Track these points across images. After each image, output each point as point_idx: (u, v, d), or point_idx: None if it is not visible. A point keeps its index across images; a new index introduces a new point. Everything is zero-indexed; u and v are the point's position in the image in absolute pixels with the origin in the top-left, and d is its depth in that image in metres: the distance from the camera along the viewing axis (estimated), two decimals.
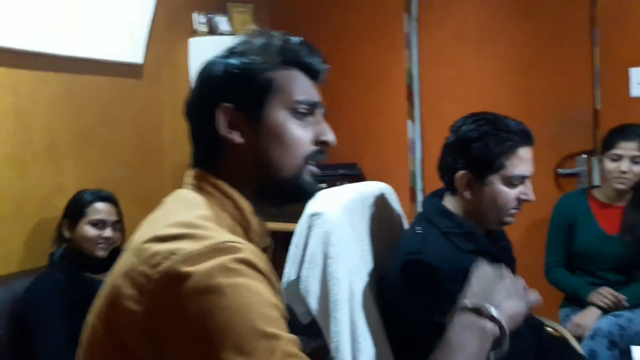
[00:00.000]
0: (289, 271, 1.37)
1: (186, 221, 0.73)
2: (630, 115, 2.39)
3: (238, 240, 0.71)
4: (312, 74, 0.86)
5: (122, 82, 2.29)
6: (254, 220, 0.81)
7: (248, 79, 0.81)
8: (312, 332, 1.36)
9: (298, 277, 1.35)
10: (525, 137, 1.33)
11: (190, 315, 0.64)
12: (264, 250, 0.83)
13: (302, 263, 1.35)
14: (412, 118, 2.90)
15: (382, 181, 1.76)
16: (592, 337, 1.83)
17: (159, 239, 0.70)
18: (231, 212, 0.79)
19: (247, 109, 0.81)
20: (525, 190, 1.35)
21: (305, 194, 0.85)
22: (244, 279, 0.66)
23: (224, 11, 2.73)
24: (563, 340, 1.61)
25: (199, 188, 0.81)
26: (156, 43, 2.40)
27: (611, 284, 2.02)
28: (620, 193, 2.06)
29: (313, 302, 1.33)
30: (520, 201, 1.37)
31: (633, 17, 2.42)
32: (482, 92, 2.71)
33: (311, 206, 1.37)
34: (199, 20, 2.57)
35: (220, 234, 0.72)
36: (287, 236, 1.43)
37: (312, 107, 0.85)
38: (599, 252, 2.04)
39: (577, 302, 2.06)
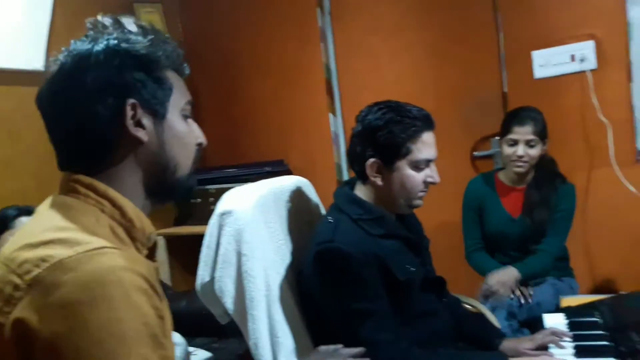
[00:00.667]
0: (202, 273, 1.33)
1: (58, 226, 0.69)
2: (535, 97, 2.51)
3: (113, 245, 0.68)
4: (182, 76, 0.87)
5: (23, 90, 2.16)
6: (137, 219, 0.78)
7: (157, 76, 0.80)
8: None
9: (212, 279, 1.32)
10: (427, 122, 1.37)
11: (60, 328, 0.60)
12: (152, 249, 0.80)
13: (215, 264, 1.32)
14: (333, 111, 2.93)
15: (309, 175, 1.77)
16: (493, 309, 1.90)
17: (29, 246, 0.67)
18: (110, 212, 0.76)
19: (153, 106, 0.79)
20: (430, 173, 1.39)
21: (191, 194, 0.85)
22: (118, 290, 0.63)
23: (130, 12, 2.63)
24: (480, 316, 1.65)
25: (73, 191, 0.77)
26: (58, 48, 2.27)
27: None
28: (521, 176, 2.09)
29: (229, 302, 1.31)
30: (427, 184, 1.40)
31: (532, 0, 2.52)
32: (398, 81, 2.77)
33: (221, 205, 1.35)
34: (103, 22, 2.45)
35: (95, 239, 0.68)
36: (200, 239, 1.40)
37: (190, 108, 0.86)
38: (506, 235, 2.09)
39: None
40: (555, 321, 1.63)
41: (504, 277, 2.00)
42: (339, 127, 2.93)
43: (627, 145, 2.41)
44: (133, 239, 0.76)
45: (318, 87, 2.91)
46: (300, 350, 1.34)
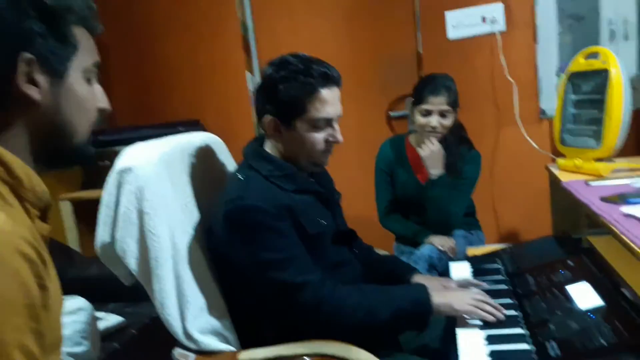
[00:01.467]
0: (102, 234, 1.26)
1: None
2: (448, 57, 2.57)
3: None
4: (93, 35, 0.79)
5: None
6: (26, 178, 0.71)
7: (61, 31, 0.72)
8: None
9: (113, 239, 1.25)
10: (326, 79, 1.29)
11: None
12: (44, 211, 0.74)
13: (115, 223, 1.25)
14: (250, 70, 2.86)
15: (226, 135, 1.70)
16: (415, 262, 1.95)
17: None
18: None
19: (52, 64, 0.71)
20: (332, 132, 1.35)
21: (88, 160, 0.80)
22: None
23: None
24: (392, 256, 1.68)
25: None
26: None
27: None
28: None
29: (132, 263, 1.25)
30: (329, 143, 1.36)
31: None
32: (315, 41, 2.74)
33: (119, 162, 1.27)
34: None
35: None
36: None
37: (97, 70, 0.79)
38: (416, 200, 2.10)
39: (413, 243, 2.13)
40: (460, 269, 1.70)
41: (443, 239, 2.04)
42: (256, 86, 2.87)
43: (531, 105, 2.53)
44: (21, 198, 0.69)
45: (234, 45, 2.84)
46: (210, 308, 1.32)
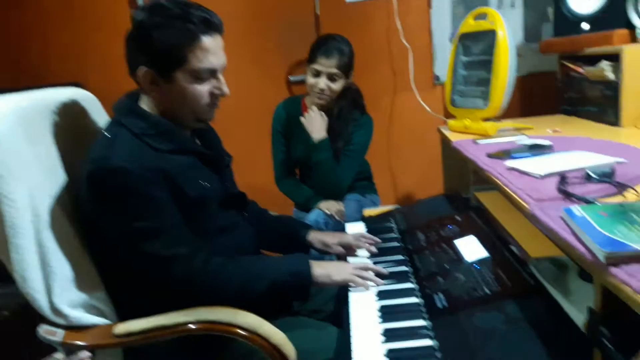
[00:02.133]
0: None
1: None
2: (345, 20, 2.53)
3: None
4: None
5: None
6: None
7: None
8: None
9: None
10: (207, 25, 1.18)
11: None
12: None
13: None
14: None
15: (113, 99, 1.52)
16: None
17: None
18: None
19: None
20: (217, 85, 1.24)
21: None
22: None
23: None
24: (287, 216, 1.64)
25: None
26: None
27: None
28: (324, 106, 2.03)
29: None
30: (214, 96, 1.26)
31: None
32: (211, 3, 2.55)
33: None
34: None
35: None
36: None
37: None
38: (312, 162, 2.05)
39: (306, 208, 2.11)
40: (356, 229, 1.71)
41: (329, 203, 2.02)
42: None
43: (426, 70, 2.56)
44: None
45: (121, 2, 2.59)
46: (80, 280, 1.18)
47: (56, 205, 1.20)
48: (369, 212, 1.87)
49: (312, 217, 1.97)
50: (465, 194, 1.73)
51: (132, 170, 1.11)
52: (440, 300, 1.12)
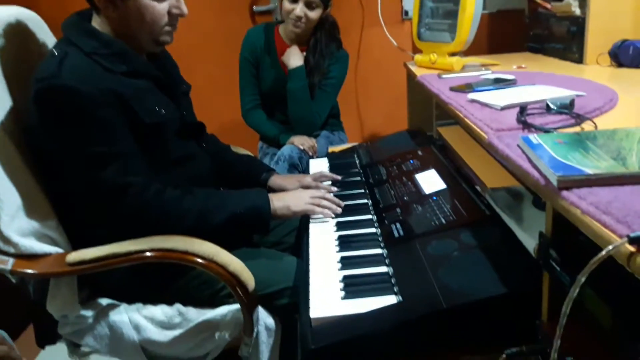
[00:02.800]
0: None
1: None
2: None
3: None
4: None
5: None
6: None
7: None
8: None
9: None
10: None
11: None
12: None
13: None
14: None
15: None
16: (277, 162, 1.91)
17: None
18: None
19: None
20: (176, 4, 1.19)
21: None
22: None
23: None
24: (250, 156, 1.61)
25: None
26: None
27: None
28: (299, 36, 1.97)
29: None
30: (173, 16, 1.20)
31: None
32: None
33: None
34: None
35: None
36: None
37: None
38: (282, 94, 1.99)
39: (276, 144, 2.07)
40: (319, 165, 1.70)
41: (303, 138, 1.99)
42: None
43: (394, 3, 2.48)
44: None
45: None
46: (31, 208, 1.14)
47: (2, 133, 1.13)
48: (333, 148, 1.87)
49: (286, 151, 1.93)
50: (429, 130, 1.72)
51: (83, 90, 1.05)
52: (397, 230, 1.13)
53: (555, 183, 0.70)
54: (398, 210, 1.22)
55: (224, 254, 1.11)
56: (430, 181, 1.30)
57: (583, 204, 0.65)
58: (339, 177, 1.51)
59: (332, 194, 1.34)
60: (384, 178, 1.43)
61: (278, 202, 1.24)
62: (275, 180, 1.49)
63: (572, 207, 0.66)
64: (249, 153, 1.69)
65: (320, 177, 1.50)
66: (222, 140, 1.57)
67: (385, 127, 2.62)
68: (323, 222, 1.26)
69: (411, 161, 1.46)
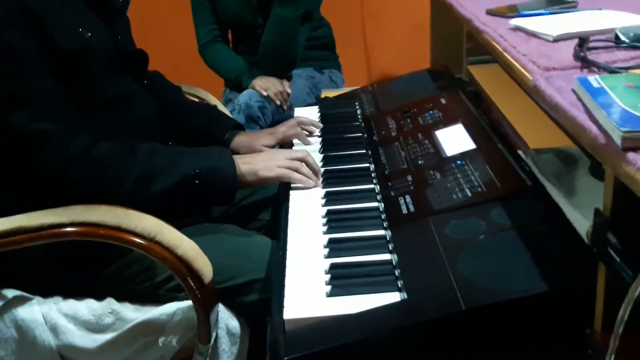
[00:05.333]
0: None
1: None
2: None
3: None
4: None
5: None
6: None
7: None
8: None
9: None
10: None
11: None
12: None
13: None
14: None
15: None
16: (232, 110, 1.95)
17: None
18: None
19: None
20: None
21: None
22: None
23: None
24: (208, 106, 1.61)
25: None
26: None
27: None
28: None
29: None
30: None
31: None
32: None
33: None
34: None
35: None
36: None
37: None
38: (247, 24, 2.04)
39: (239, 88, 2.10)
40: (309, 114, 1.69)
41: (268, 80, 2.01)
42: None
43: None
44: None
45: None
46: None
47: None
48: (328, 92, 1.87)
49: (242, 99, 1.97)
50: (457, 70, 1.71)
51: None
52: (406, 204, 1.13)
53: (619, 141, 0.68)
54: (409, 178, 1.22)
55: (171, 232, 1.10)
56: (455, 139, 1.30)
57: None
58: (319, 125, 1.55)
59: (312, 158, 1.34)
60: (392, 134, 1.43)
61: (244, 165, 1.25)
62: (241, 139, 1.49)
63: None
64: (212, 100, 1.71)
65: (295, 125, 1.52)
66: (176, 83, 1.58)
67: (399, 66, 2.59)
68: (309, 192, 1.26)
69: (431, 112, 1.46)
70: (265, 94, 1.97)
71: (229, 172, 1.22)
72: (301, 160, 1.30)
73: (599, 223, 0.77)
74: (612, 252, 0.74)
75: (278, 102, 1.99)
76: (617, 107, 0.73)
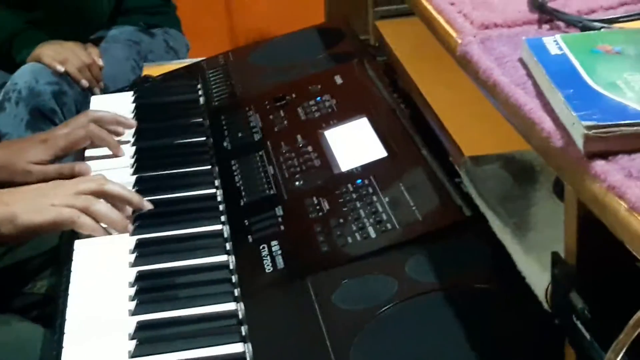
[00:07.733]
0: None
1: None
2: None
3: None
4: None
5: None
6: None
7: None
8: None
9: None
10: None
11: None
12: None
13: None
14: None
15: None
16: (3, 101, 2.02)
17: None
18: None
19: None
20: None
21: None
22: None
23: None
24: None
25: None
26: None
27: None
28: None
29: None
30: None
31: None
32: None
33: None
34: None
35: None
36: None
37: None
38: None
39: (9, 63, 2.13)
40: (113, 104, 1.76)
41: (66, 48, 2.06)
42: None
43: None
44: None
45: None
46: None
47: None
48: (150, 67, 1.93)
49: (21, 81, 2.02)
50: (361, 29, 1.77)
51: None
52: (272, 257, 1.16)
53: (580, 143, 0.68)
54: (278, 211, 1.26)
55: None
56: (355, 144, 1.36)
57: (633, 186, 0.62)
58: (132, 123, 1.59)
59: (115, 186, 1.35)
60: (255, 138, 1.49)
61: None
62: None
63: (612, 194, 0.64)
64: None
65: (94, 121, 1.55)
66: None
67: (276, 21, 2.72)
68: (109, 243, 1.28)
69: (318, 98, 1.52)
70: (62, 69, 2.00)
71: None
72: (95, 193, 1.29)
73: (559, 277, 0.80)
74: (578, 323, 0.77)
75: (85, 83, 2.02)
76: (583, 87, 0.75)
